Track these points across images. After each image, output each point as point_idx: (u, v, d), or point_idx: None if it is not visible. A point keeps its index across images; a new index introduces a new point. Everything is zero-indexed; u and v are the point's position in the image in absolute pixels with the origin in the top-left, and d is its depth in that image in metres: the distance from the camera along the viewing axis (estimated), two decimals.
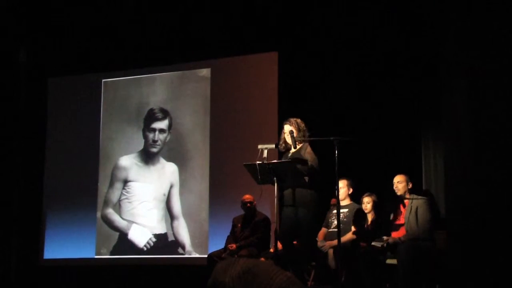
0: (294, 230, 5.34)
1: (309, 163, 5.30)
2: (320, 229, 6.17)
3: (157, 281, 7.94)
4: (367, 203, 6.20)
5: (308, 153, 5.37)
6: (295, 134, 5.37)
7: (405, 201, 5.80)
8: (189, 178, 8.16)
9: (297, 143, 5.40)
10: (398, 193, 5.85)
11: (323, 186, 5.54)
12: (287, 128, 5.47)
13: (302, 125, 5.47)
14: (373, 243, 5.70)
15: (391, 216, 5.86)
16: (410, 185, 5.86)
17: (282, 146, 5.53)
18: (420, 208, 5.65)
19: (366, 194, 6.24)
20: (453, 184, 5.96)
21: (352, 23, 7.24)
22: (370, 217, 6.18)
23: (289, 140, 5.40)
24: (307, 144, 5.46)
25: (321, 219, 6.13)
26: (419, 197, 5.78)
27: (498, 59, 5.44)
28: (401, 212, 5.80)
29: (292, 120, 5.50)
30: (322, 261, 5.90)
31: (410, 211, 5.66)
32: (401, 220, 5.77)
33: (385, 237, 5.70)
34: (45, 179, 8.90)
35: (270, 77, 7.83)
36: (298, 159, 5.30)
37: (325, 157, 5.36)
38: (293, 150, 5.48)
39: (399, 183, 5.84)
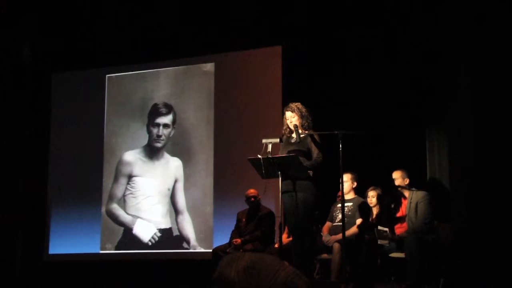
0: (296, 215, 5.23)
1: (313, 157, 5.28)
2: (319, 216, 6.14)
3: (162, 276, 7.94)
4: (372, 197, 6.20)
5: (312, 142, 5.34)
6: (298, 123, 5.34)
7: (405, 193, 5.85)
8: (193, 172, 8.16)
9: (301, 135, 5.36)
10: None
11: (328, 180, 5.51)
12: (289, 114, 5.42)
13: (304, 110, 5.43)
14: (379, 228, 5.71)
15: (392, 206, 5.91)
16: (407, 181, 5.90)
17: (286, 131, 5.49)
18: (420, 203, 5.69)
19: (371, 188, 6.25)
20: (457, 179, 5.96)
21: (356, 16, 7.21)
22: (375, 211, 6.18)
23: (291, 126, 5.36)
24: (311, 131, 5.42)
25: (319, 206, 5.97)
26: (419, 191, 5.79)
27: (503, 54, 5.43)
28: (402, 203, 5.85)
29: (293, 106, 5.43)
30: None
31: (410, 207, 5.71)
32: (403, 212, 5.82)
33: (390, 234, 5.71)
34: (50, 175, 8.90)
35: (274, 71, 7.81)
36: (302, 151, 5.28)
37: (329, 151, 5.34)
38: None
39: (396, 179, 5.92)
